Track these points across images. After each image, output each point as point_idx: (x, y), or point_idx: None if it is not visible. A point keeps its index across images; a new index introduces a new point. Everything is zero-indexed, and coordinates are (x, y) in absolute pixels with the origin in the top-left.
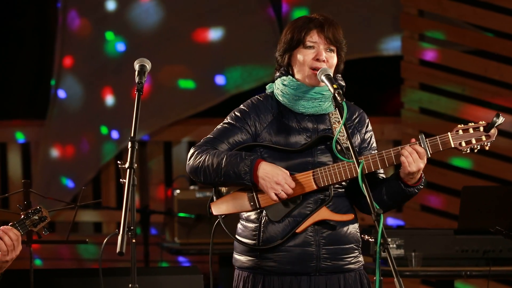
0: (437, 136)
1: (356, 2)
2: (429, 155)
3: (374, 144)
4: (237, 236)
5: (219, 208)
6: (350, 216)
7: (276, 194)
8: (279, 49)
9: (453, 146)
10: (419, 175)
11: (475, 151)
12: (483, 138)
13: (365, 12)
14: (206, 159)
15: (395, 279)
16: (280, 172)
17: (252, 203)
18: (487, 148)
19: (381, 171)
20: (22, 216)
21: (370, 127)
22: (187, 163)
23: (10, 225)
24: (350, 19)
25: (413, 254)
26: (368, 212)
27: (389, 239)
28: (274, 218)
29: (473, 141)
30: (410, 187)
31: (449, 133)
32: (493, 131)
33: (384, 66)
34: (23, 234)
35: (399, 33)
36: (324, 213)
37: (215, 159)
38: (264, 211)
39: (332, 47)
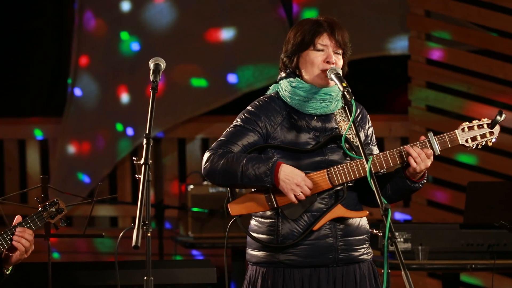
0: (445, 134)
1: (364, 3)
2: (438, 153)
3: (375, 139)
4: (253, 233)
5: (236, 209)
6: (364, 213)
7: (295, 195)
8: (287, 51)
9: (460, 143)
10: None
11: (479, 147)
12: (487, 134)
13: (373, 12)
14: (225, 163)
15: (403, 272)
16: (299, 174)
17: (269, 203)
18: (490, 144)
19: None
20: (40, 209)
21: (370, 123)
22: (204, 166)
23: (27, 218)
24: (359, 19)
25: (420, 247)
26: (373, 206)
27: (397, 233)
28: (291, 217)
29: (478, 137)
30: (415, 183)
31: (456, 130)
32: (497, 128)
33: (391, 65)
34: (40, 226)
35: (406, 33)
36: (339, 211)
37: (234, 162)
38: (281, 210)
39: (340, 50)
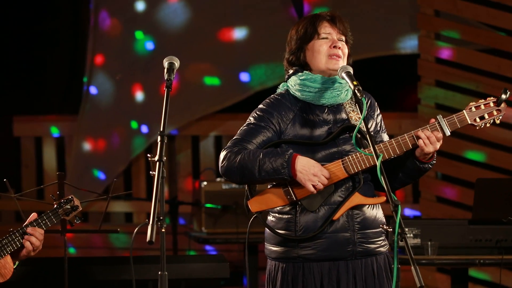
0: (454, 115)
1: (375, 3)
2: (449, 133)
3: (384, 126)
4: (273, 229)
5: (256, 205)
6: (381, 199)
7: (313, 186)
8: (291, 49)
9: (469, 122)
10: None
11: (488, 125)
12: (495, 112)
13: (383, 12)
14: (242, 159)
15: (412, 267)
16: (315, 164)
17: (288, 196)
18: (498, 121)
19: None
20: (55, 206)
21: (378, 110)
22: (221, 165)
23: (43, 214)
24: (369, 19)
25: (429, 243)
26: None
27: (406, 229)
28: (311, 208)
29: (486, 116)
30: (425, 163)
31: (464, 110)
32: (503, 106)
33: (401, 64)
34: (56, 222)
35: (416, 32)
36: (357, 199)
37: (251, 158)
38: (300, 203)
39: (343, 37)
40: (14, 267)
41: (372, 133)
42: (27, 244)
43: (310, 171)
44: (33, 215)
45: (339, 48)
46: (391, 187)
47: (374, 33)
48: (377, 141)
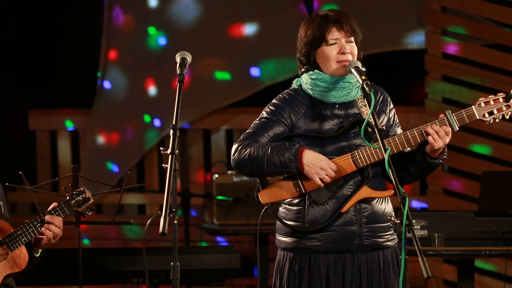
0: (463, 110)
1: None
2: (457, 129)
3: (397, 120)
4: (282, 220)
5: (266, 197)
6: (390, 192)
7: (320, 179)
8: (301, 50)
9: (478, 117)
10: (443, 148)
11: (497, 121)
12: (504, 108)
13: (391, 9)
14: (252, 152)
15: (419, 258)
16: (322, 158)
17: (297, 189)
18: (507, 117)
19: None
20: (68, 197)
21: (392, 105)
22: (232, 158)
23: (57, 206)
24: (377, 16)
25: (436, 234)
26: (405, 183)
27: (414, 221)
28: (319, 201)
29: (495, 111)
30: (435, 159)
31: (473, 106)
32: None
33: (409, 59)
34: (69, 214)
35: (423, 28)
36: (365, 192)
37: (260, 151)
38: (309, 195)
39: (351, 38)
40: (37, 255)
41: (383, 127)
42: (47, 232)
43: (317, 164)
44: (54, 205)
45: (348, 53)
46: (404, 181)
47: (382, 29)
48: (390, 135)
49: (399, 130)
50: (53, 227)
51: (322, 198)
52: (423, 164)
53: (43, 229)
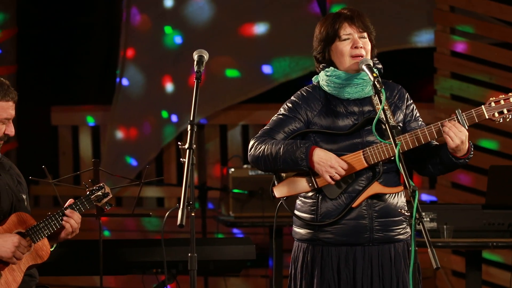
0: (472, 110)
1: None
2: (466, 128)
3: (418, 114)
4: (296, 212)
5: (281, 191)
6: (399, 188)
7: (330, 177)
8: (316, 48)
9: (487, 117)
10: (466, 146)
11: (507, 120)
12: None
13: (401, 8)
14: (266, 149)
15: (429, 249)
16: (332, 156)
17: (310, 184)
18: None
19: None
20: (88, 192)
21: (410, 100)
22: (248, 153)
23: (77, 200)
24: (387, 15)
25: (445, 226)
26: (426, 174)
27: (423, 213)
28: (331, 196)
29: (505, 111)
30: (460, 159)
31: (482, 106)
32: None
33: (418, 57)
34: (89, 208)
35: (432, 27)
36: (376, 188)
37: (273, 149)
38: (322, 190)
39: (364, 34)
40: (52, 249)
41: (398, 124)
42: (67, 225)
43: (327, 163)
44: (70, 201)
45: (361, 47)
46: (428, 173)
47: (392, 28)
48: (407, 130)
49: (414, 125)
50: (72, 221)
51: (334, 193)
52: (450, 164)
53: (63, 222)
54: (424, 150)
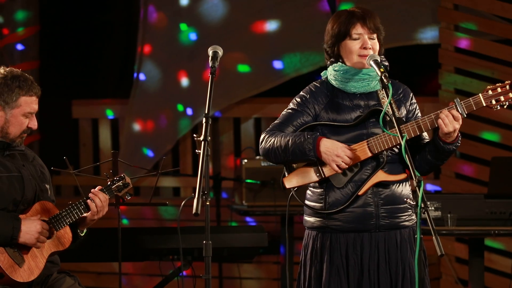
0: (470, 98)
1: None
2: (465, 115)
3: (419, 114)
4: (306, 202)
5: (291, 182)
6: (403, 176)
7: (337, 165)
8: (327, 42)
9: (484, 104)
10: (455, 134)
11: (505, 107)
12: (510, 95)
13: (406, 5)
14: (275, 142)
15: (433, 237)
16: (339, 146)
17: (318, 174)
18: None
19: (425, 136)
20: (109, 183)
21: (414, 100)
22: (260, 146)
23: (99, 189)
24: (393, 12)
25: (449, 215)
26: (421, 171)
27: (428, 203)
28: (338, 185)
29: (502, 98)
30: (448, 144)
31: (480, 94)
32: None
33: (424, 53)
34: (110, 198)
35: (437, 24)
36: (381, 176)
37: (282, 141)
38: (328, 180)
39: (374, 35)
40: (82, 235)
41: (402, 118)
42: (92, 205)
43: (333, 152)
44: (98, 188)
45: (369, 48)
46: (422, 170)
47: (397, 25)
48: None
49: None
50: (97, 200)
51: (341, 182)
52: (438, 150)
53: (88, 201)
54: (415, 146)
